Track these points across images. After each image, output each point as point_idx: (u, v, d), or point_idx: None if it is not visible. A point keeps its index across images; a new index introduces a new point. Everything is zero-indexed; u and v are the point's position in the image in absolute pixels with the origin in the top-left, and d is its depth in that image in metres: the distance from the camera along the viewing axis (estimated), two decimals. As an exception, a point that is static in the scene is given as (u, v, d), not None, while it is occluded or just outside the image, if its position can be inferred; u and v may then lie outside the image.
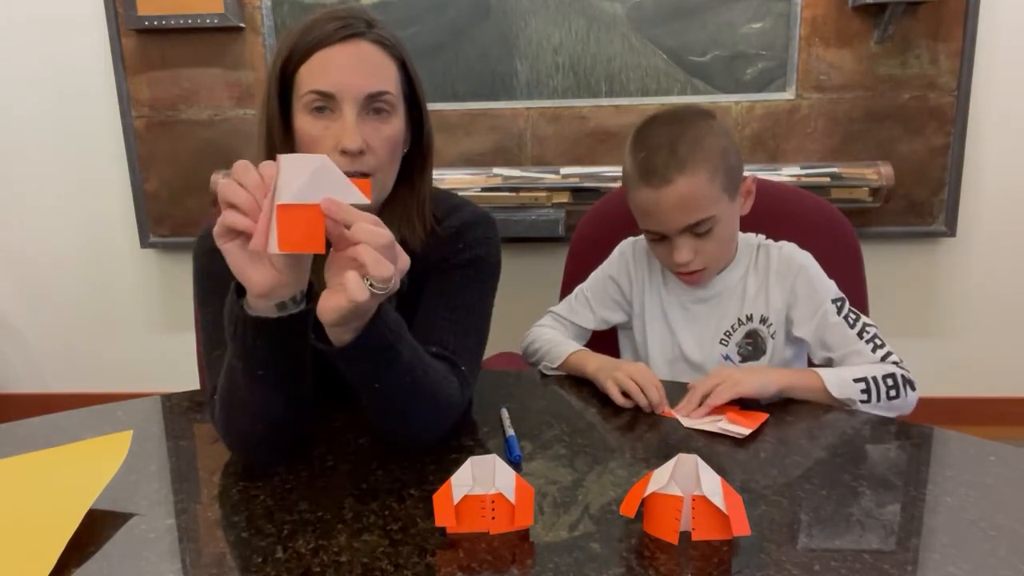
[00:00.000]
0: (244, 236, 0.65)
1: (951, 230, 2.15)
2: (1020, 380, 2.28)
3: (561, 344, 1.13)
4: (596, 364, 1.04)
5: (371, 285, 0.64)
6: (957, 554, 0.63)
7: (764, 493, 0.73)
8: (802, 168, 2.06)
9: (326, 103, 0.83)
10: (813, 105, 2.09)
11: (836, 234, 1.27)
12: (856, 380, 0.98)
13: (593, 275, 1.25)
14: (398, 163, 0.90)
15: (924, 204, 2.13)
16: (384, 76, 0.85)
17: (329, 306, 0.67)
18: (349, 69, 0.83)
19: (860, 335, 1.05)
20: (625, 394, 0.96)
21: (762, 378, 0.96)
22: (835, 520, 0.68)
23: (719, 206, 1.04)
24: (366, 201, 0.64)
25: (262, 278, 0.68)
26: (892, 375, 1.00)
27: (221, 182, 0.65)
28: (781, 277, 1.11)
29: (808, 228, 1.22)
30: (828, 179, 2.04)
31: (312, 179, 0.63)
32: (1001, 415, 2.29)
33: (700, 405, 0.92)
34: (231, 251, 0.67)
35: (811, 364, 1.14)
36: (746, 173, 1.11)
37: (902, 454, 0.83)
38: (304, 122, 0.84)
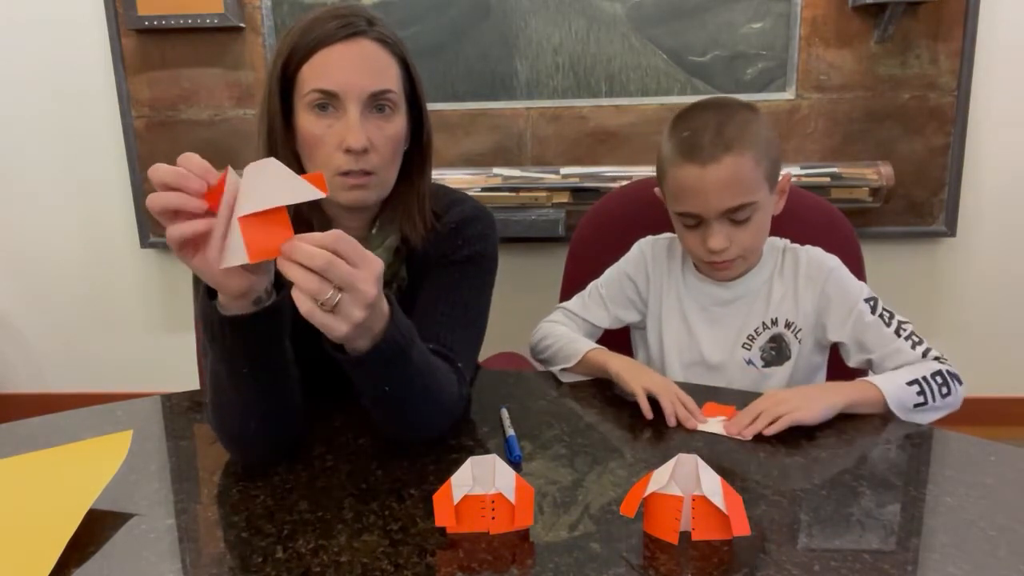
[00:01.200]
0: (203, 246, 0.64)
1: (951, 230, 2.14)
2: (1020, 380, 2.28)
3: (576, 341, 1.10)
4: (619, 365, 1.01)
5: (321, 304, 0.63)
6: (957, 554, 0.63)
7: (764, 493, 0.73)
8: (802, 168, 2.06)
9: (329, 101, 0.83)
10: (813, 105, 2.09)
11: (837, 234, 1.27)
12: (909, 383, 0.95)
13: (608, 272, 1.22)
14: (400, 161, 0.91)
15: (924, 204, 2.13)
16: (386, 74, 0.85)
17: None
18: (352, 68, 0.83)
19: (897, 333, 1.02)
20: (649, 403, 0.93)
21: (825, 403, 0.90)
22: (835, 520, 0.68)
23: (760, 193, 1.02)
24: (321, 195, 0.62)
25: (239, 282, 0.68)
26: (939, 372, 0.97)
27: (151, 196, 0.63)
28: (810, 281, 1.08)
29: (808, 228, 1.22)
30: (828, 179, 2.04)
31: (266, 183, 0.62)
32: (1001, 415, 2.29)
33: (750, 423, 0.87)
34: (200, 264, 0.66)
35: (843, 368, 1.11)
36: None
37: (902, 454, 0.83)
38: (307, 120, 0.84)
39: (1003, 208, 2.16)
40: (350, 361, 0.72)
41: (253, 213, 0.62)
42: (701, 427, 0.89)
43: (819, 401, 0.90)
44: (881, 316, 1.04)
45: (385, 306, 0.71)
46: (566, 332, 1.15)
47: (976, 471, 0.77)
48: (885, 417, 0.93)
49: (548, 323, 1.20)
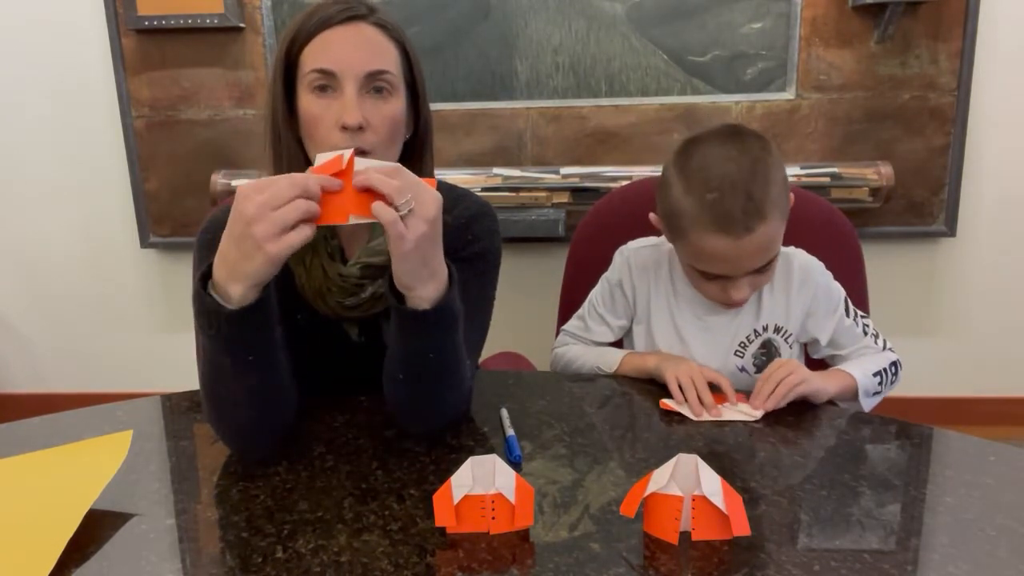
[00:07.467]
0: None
1: (951, 230, 2.14)
2: (1020, 380, 2.28)
3: (606, 353, 1.15)
4: (656, 359, 1.05)
5: (398, 210, 0.70)
6: (957, 554, 0.63)
7: (764, 493, 0.73)
8: (802, 168, 2.06)
9: (328, 81, 0.85)
10: (813, 105, 2.09)
11: (837, 234, 1.27)
12: (875, 374, 1.05)
13: (598, 287, 1.21)
14: (398, 146, 0.91)
15: (924, 204, 2.13)
16: (384, 56, 0.87)
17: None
18: (350, 48, 0.85)
19: (864, 332, 1.11)
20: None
21: (817, 386, 0.96)
22: (835, 520, 0.68)
23: (780, 239, 1.01)
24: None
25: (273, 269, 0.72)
26: (895, 362, 1.09)
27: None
28: (802, 286, 1.10)
29: (809, 228, 1.21)
30: (828, 179, 2.04)
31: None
32: (1001, 415, 2.29)
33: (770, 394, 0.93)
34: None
35: (811, 360, 1.15)
36: None
37: (902, 454, 0.83)
38: (307, 101, 0.86)
39: (1003, 208, 2.16)
40: (416, 315, 0.77)
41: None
42: (694, 417, 0.92)
43: (814, 384, 0.96)
44: (854, 318, 1.12)
45: (445, 271, 0.78)
46: (589, 348, 1.19)
47: (976, 471, 0.77)
48: (884, 417, 0.93)
49: (562, 347, 1.22)
